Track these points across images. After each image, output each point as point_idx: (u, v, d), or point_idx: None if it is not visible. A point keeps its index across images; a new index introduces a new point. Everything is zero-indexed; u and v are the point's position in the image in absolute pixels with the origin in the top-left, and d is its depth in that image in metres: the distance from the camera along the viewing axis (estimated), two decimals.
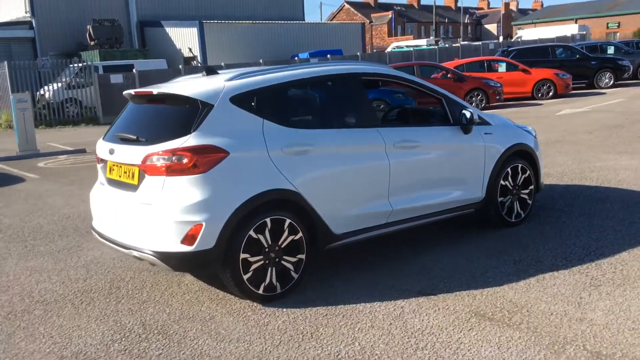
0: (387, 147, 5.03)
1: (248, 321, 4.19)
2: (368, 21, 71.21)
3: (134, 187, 4.49)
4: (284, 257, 4.51)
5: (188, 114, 4.42)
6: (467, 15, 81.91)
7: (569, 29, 46.32)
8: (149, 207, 4.31)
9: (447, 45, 39.39)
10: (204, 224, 4.16)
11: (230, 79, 4.62)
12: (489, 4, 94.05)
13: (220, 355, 3.71)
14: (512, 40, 47.33)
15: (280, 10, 39.43)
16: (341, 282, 4.79)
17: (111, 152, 4.69)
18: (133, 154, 4.47)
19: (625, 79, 23.08)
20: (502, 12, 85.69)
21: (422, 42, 43.11)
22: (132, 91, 4.97)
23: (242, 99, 4.50)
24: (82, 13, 32.39)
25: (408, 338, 3.79)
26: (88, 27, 30.77)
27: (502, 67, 20.66)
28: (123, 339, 4.03)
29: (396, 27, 74.52)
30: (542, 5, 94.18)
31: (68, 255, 5.99)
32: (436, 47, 36.46)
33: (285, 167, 4.47)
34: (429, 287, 4.59)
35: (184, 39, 33.21)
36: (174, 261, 4.28)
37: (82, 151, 14.61)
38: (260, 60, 27.70)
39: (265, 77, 4.72)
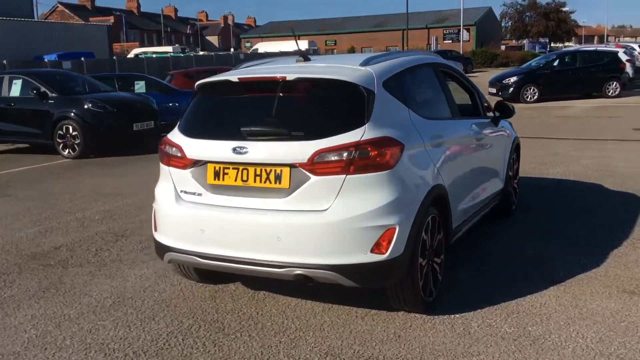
0: (471, 138, 4.95)
1: (436, 333, 3.71)
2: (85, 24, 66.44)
3: (281, 192, 3.63)
4: (434, 258, 4.12)
5: (350, 102, 3.76)
6: (189, 26, 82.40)
7: (299, 44, 49.87)
8: (320, 214, 3.54)
9: (198, 54, 39.13)
10: (397, 227, 3.57)
11: (366, 64, 4.03)
12: (207, 16, 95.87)
13: None
14: (250, 52, 49.22)
15: (9, 5, 34.53)
16: (458, 283, 4.54)
17: (238, 150, 3.67)
18: (287, 151, 3.60)
19: None
20: (222, 25, 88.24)
21: (169, 49, 41.99)
22: (233, 77, 3.98)
23: (391, 86, 3.98)
24: None
25: (619, 322, 3.81)
26: None
27: None
28: None
29: (119, 33, 71.15)
30: (255, 21, 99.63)
31: (70, 296, 4.52)
32: (190, 54, 35.99)
33: (435, 161, 4.09)
34: (550, 274, 4.62)
35: None
36: (363, 274, 3.57)
37: None
38: (5, 62, 23.95)
39: (394, 62, 4.24)
